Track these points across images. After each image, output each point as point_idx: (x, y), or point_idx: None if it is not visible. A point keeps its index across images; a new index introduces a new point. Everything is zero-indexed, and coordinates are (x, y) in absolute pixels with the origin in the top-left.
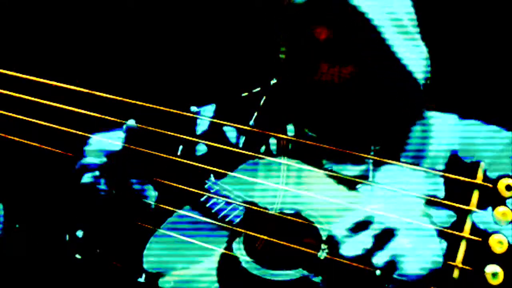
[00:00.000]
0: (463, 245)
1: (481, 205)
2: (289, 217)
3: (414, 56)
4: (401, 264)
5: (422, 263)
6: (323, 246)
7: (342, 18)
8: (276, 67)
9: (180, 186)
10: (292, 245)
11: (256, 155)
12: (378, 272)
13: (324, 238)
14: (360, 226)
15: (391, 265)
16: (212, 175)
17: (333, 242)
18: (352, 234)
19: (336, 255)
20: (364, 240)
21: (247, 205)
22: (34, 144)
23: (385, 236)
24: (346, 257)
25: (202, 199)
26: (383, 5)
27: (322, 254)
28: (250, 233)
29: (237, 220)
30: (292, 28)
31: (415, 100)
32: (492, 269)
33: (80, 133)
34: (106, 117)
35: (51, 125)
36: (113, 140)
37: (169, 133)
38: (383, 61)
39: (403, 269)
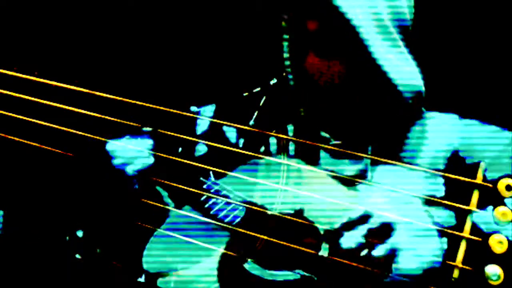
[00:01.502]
0: (463, 245)
1: (481, 205)
2: (289, 217)
3: (396, 61)
4: (399, 263)
5: (421, 262)
6: (323, 244)
7: (326, 14)
8: (276, 67)
9: (180, 186)
10: (292, 245)
11: (256, 155)
12: (376, 269)
13: (323, 236)
14: (359, 225)
15: (389, 263)
16: (212, 175)
17: (331, 240)
18: (350, 232)
19: (335, 253)
20: (363, 238)
21: (247, 205)
22: (34, 144)
23: (384, 235)
24: (344, 255)
25: (202, 199)
26: (367, 7)
27: (323, 252)
28: (250, 233)
29: (237, 220)
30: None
31: (399, 100)
32: (492, 269)
33: (97, 137)
34: (123, 121)
35: (57, 126)
36: (142, 148)
37: (169, 133)
38: (363, 62)
39: (401, 268)
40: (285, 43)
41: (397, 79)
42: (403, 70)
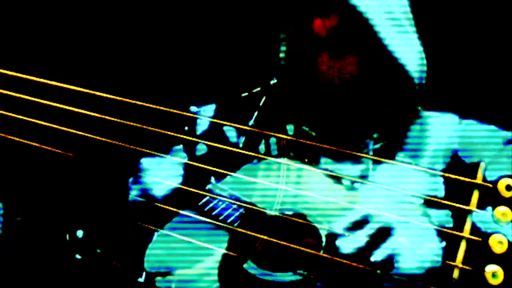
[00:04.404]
0: (463, 245)
1: (481, 205)
2: (288, 217)
3: (408, 50)
4: (399, 263)
5: (421, 262)
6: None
7: (340, 12)
8: (276, 67)
9: (182, 186)
10: (292, 245)
11: (256, 155)
12: (378, 271)
13: (323, 237)
14: (359, 225)
15: (390, 263)
16: (212, 175)
17: (332, 241)
18: (350, 232)
19: (335, 254)
20: (363, 239)
21: (247, 205)
22: (34, 144)
23: (384, 235)
24: (344, 255)
25: (203, 200)
26: (379, 1)
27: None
28: (250, 233)
29: (237, 220)
30: (293, 23)
31: (411, 96)
32: (492, 269)
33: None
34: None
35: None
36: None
37: (169, 133)
38: (378, 56)
39: (401, 268)
40: (284, 43)
41: (413, 71)
42: (418, 62)
